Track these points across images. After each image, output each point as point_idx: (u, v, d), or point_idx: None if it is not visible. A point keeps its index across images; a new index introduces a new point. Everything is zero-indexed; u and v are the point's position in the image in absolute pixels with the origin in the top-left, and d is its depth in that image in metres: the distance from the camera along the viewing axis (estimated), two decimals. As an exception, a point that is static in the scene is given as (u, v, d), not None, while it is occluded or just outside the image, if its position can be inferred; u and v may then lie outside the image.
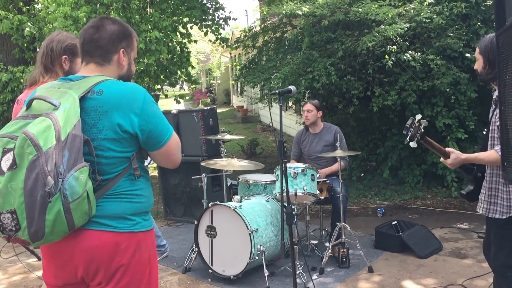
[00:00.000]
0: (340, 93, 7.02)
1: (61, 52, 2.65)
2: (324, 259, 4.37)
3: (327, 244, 4.57)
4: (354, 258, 4.59)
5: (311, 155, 5.08)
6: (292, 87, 2.95)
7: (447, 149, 2.81)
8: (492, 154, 2.65)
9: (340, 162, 4.50)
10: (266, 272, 4.01)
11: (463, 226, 5.52)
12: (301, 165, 4.33)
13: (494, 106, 2.80)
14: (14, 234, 1.62)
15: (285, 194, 3.05)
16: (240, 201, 4.31)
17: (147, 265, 1.89)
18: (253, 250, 4.00)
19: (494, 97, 2.76)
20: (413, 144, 2.71)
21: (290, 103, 11.36)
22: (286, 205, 3.11)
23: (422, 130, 2.69)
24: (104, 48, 1.88)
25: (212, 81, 29.58)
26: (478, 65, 2.76)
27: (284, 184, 2.85)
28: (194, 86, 15.36)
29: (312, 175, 4.31)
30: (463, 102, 6.23)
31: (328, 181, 4.72)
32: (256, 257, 4.04)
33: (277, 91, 2.98)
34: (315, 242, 4.95)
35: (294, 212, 3.21)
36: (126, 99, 1.79)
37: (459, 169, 2.95)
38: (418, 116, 2.70)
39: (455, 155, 2.77)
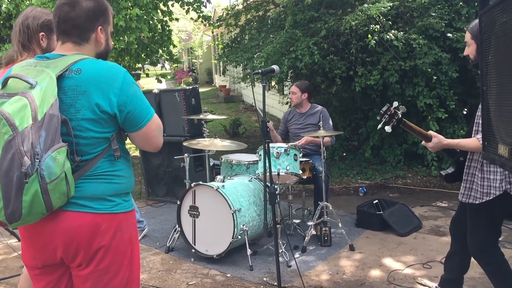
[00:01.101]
0: (323, 73, 7.01)
1: (38, 29, 2.57)
2: (306, 238, 4.41)
3: (309, 223, 4.61)
4: (336, 237, 4.65)
5: (297, 134, 5.10)
6: (275, 67, 2.92)
7: (430, 132, 2.82)
8: (473, 141, 2.67)
9: (324, 138, 4.51)
10: (249, 251, 4.04)
11: (442, 205, 5.62)
12: (284, 145, 4.34)
13: None
14: None
15: (268, 174, 3.06)
16: (223, 181, 4.30)
17: (128, 246, 1.88)
18: (236, 229, 4.01)
19: None
20: (388, 129, 2.72)
21: (273, 83, 11.33)
22: (269, 185, 3.12)
23: (400, 115, 2.70)
24: (81, 27, 1.82)
25: (194, 60, 29.28)
26: (471, 51, 2.73)
27: (267, 164, 2.85)
28: (176, 65, 15.18)
29: (295, 155, 4.32)
30: (444, 82, 6.28)
31: (311, 161, 4.74)
32: (239, 237, 4.06)
33: (260, 71, 2.95)
34: (297, 221, 4.99)
35: (277, 192, 3.22)
36: (105, 78, 1.74)
37: (443, 151, 2.98)
38: (395, 104, 2.71)
39: (438, 139, 2.77)
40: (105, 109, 1.74)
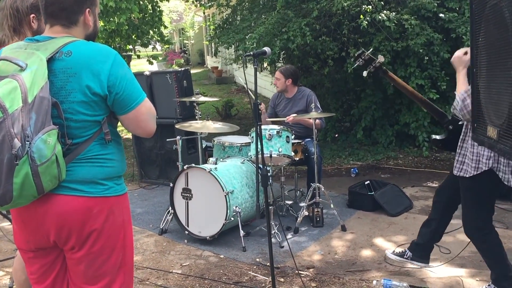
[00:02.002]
0: (315, 54, 6.99)
1: (27, 11, 2.53)
2: (298, 219, 4.45)
3: (301, 204, 4.65)
4: (328, 218, 4.69)
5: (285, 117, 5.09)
6: (266, 49, 2.91)
7: None
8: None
9: (315, 120, 4.52)
10: (241, 233, 4.08)
11: (433, 185, 5.68)
12: (276, 127, 4.34)
13: None
14: None
15: (260, 156, 3.07)
16: (216, 163, 4.32)
17: (121, 229, 1.89)
18: (228, 211, 4.04)
19: None
20: (364, 73, 2.85)
21: (265, 64, 11.27)
22: (261, 167, 3.13)
23: (378, 63, 2.81)
24: (69, 10, 1.80)
25: (185, 41, 28.99)
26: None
27: (259, 146, 2.86)
28: (167, 46, 15.03)
29: (287, 137, 4.33)
30: (435, 62, 6.29)
31: (303, 143, 4.75)
32: (232, 218, 4.09)
33: (251, 53, 2.94)
34: (290, 202, 5.03)
35: (269, 174, 3.25)
36: (95, 60, 1.73)
37: (433, 114, 3.05)
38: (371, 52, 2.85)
39: None
40: (96, 91, 1.73)
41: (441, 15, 6.20)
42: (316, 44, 6.43)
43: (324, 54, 6.64)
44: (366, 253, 3.95)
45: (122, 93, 1.78)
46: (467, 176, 2.88)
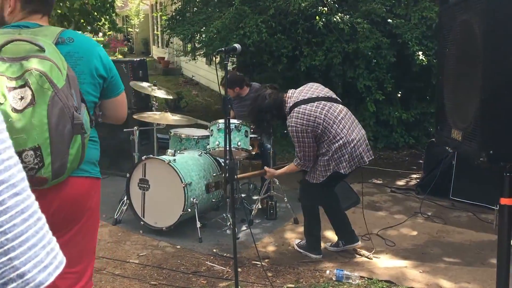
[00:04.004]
0: (270, 51, 7.13)
1: None
2: (253, 212, 4.57)
3: (255, 197, 4.77)
4: (281, 211, 4.84)
5: (241, 116, 5.21)
6: (237, 45, 2.98)
7: (265, 168, 4.12)
8: (291, 166, 4.04)
9: None
10: (198, 224, 4.14)
11: (377, 181, 5.99)
12: (235, 121, 4.43)
13: None
14: (36, 172, 1.56)
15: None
16: (174, 155, 4.34)
17: (99, 209, 1.99)
18: (186, 202, 4.09)
19: None
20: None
21: (217, 59, 11.28)
22: (226, 160, 3.22)
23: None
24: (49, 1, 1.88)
25: (130, 29, 28.28)
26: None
27: (228, 141, 2.94)
28: (110, 33, 14.64)
29: (246, 131, 4.43)
30: (382, 65, 6.62)
31: (259, 138, 4.87)
32: (189, 210, 4.14)
33: (223, 49, 3.01)
34: (243, 195, 5.14)
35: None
36: (95, 46, 1.86)
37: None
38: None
39: (270, 173, 4.11)
40: (101, 73, 1.83)
41: (389, 20, 6.52)
42: (271, 42, 6.57)
43: (278, 51, 6.79)
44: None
45: (115, 76, 1.91)
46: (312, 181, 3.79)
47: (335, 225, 3.98)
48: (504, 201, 1.70)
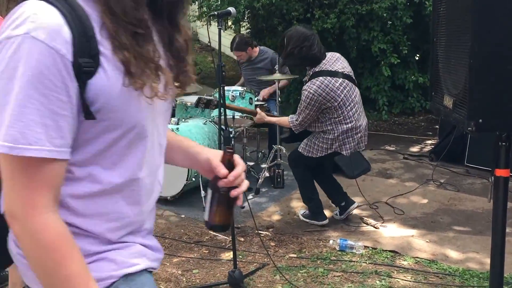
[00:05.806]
0: (280, 15, 6.91)
1: None
2: (260, 180, 4.51)
3: (263, 166, 4.70)
4: (288, 179, 4.76)
5: (251, 79, 5.11)
6: (231, 9, 2.85)
7: (257, 109, 3.97)
8: (285, 120, 3.85)
9: (279, 82, 4.55)
10: (202, 193, 4.10)
11: (390, 148, 5.84)
12: (239, 88, 4.32)
13: None
14: None
15: (222, 117, 3.06)
16: (178, 124, 4.28)
17: None
18: (190, 172, 4.04)
19: None
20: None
21: (229, 23, 11.07)
22: (224, 128, 3.13)
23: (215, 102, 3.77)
24: None
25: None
26: None
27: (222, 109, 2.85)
28: None
29: (250, 98, 4.32)
30: (398, 27, 6.35)
31: (266, 105, 4.76)
32: (193, 179, 4.10)
33: (216, 13, 2.87)
34: (251, 163, 5.07)
35: (231, 136, 3.26)
36: None
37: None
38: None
39: (260, 116, 3.91)
40: None
41: (406, -21, 6.21)
42: (281, 4, 6.36)
43: (289, 14, 6.58)
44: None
45: None
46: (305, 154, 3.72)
47: (328, 192, 3.99)
48: (499, 172, 1.58)
